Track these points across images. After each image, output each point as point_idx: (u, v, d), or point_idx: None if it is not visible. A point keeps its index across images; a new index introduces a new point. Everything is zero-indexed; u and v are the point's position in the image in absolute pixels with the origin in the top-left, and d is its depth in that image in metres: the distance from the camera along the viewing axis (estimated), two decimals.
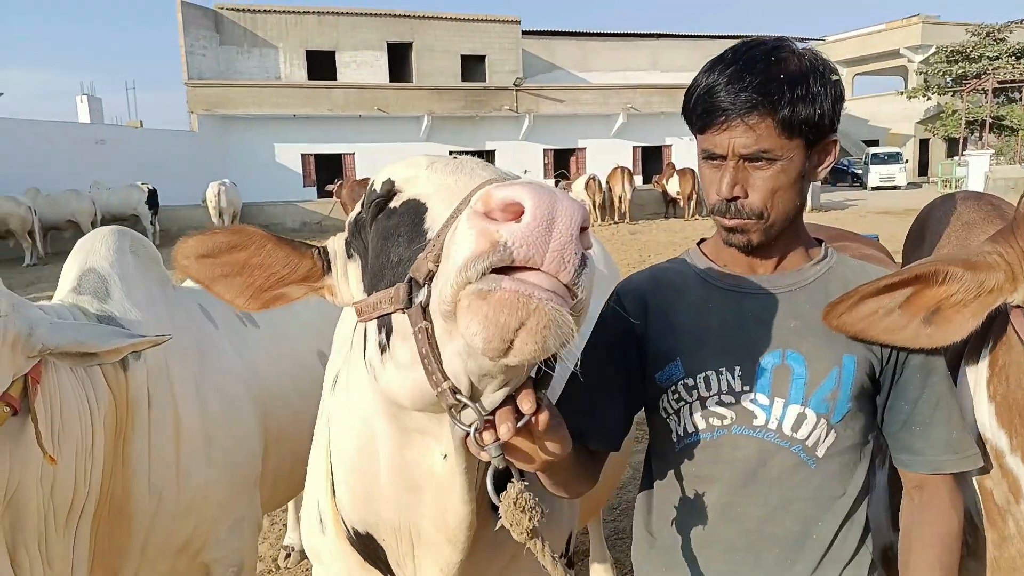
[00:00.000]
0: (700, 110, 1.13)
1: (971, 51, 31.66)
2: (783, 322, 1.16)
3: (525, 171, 22.77)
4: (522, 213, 0.76)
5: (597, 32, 30.75)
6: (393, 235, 1.03)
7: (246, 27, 24.66)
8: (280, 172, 24.20)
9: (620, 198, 21.97)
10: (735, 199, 1.13)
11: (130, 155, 21.10)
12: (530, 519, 0.93)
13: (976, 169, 23.25)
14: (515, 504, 0.94)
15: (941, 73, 32.78)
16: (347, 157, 25.21)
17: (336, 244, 1.21)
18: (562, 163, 27.77)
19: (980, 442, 1.18)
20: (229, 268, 1.18)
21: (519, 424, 0.91)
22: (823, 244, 1.25)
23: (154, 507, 1.84)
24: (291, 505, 3.49)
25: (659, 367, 1.20)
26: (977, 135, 29.81)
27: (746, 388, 1.14)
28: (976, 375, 1.21)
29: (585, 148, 27.62)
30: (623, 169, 22.42)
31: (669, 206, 22.55)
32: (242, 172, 21.41)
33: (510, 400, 0.93)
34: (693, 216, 21.53)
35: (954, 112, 31.53)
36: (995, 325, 1.15)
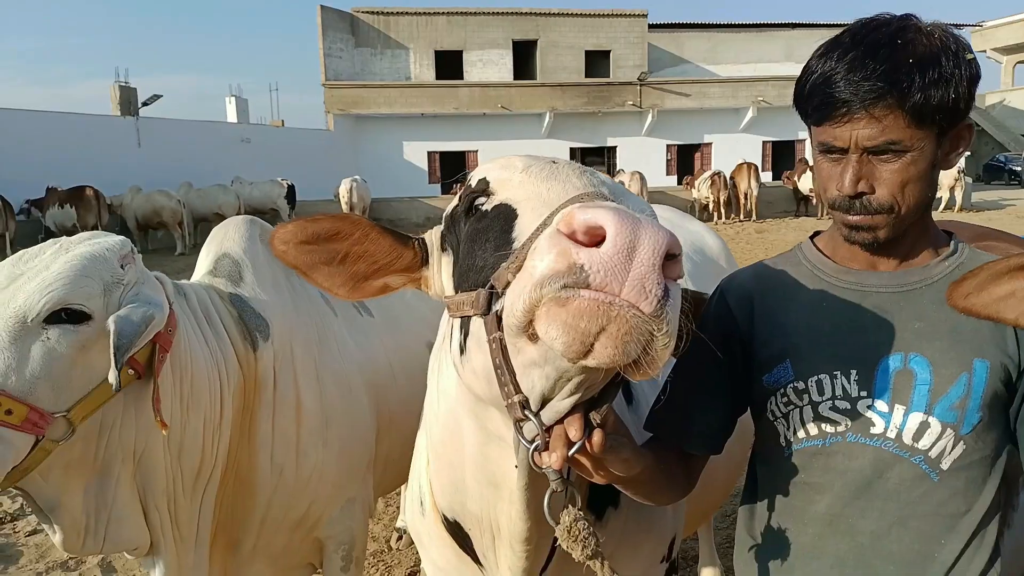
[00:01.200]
0: (817, 101, 1.06)
1: None
2: (906, 323, 1.07)
3: (620, 170, 22.29)
4: (602, 235, 0.75)
5: (728, 23, 29.72)
6: (481, 238, 1.02)
7: (380, 29, 25.71)
8: (407, 169, 25.08)
9: (746, 195, 21.15)
10: (860, 195, 1.05)
11: (271, 152, 22.56)
12: (583, 548, 0.92)
13: None
14: (569, 533, 0.94)
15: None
16: (471, 155, 25.76)
17: (433, 237, 1.21)
18: (686, 159, 27.12)
19: None
20: (330, 256, 1.17)
21: (570, 452, 0.89)
22: (952, 238, 1.15)
23: (274, 482, 1.96)
24: (404, 488, 3.63)
25: (767, 369, 1.15)
26: None
27: (863, 393, 1.07)
28: None
29: (711, 143, 26.83)
30: (749, 164, 21.57)
31: (800, 204, 21.52)
32: (372, 169, 22.36)
33: (577, 410, 0.91)
34: (827, 214, 20.38)
35: None
36: None
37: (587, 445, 0.89)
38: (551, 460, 0.89)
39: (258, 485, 1.93)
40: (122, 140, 19.91)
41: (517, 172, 1.05)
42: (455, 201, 1.15)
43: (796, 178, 21.65)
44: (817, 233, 1.24)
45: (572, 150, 26.02)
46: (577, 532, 0.92)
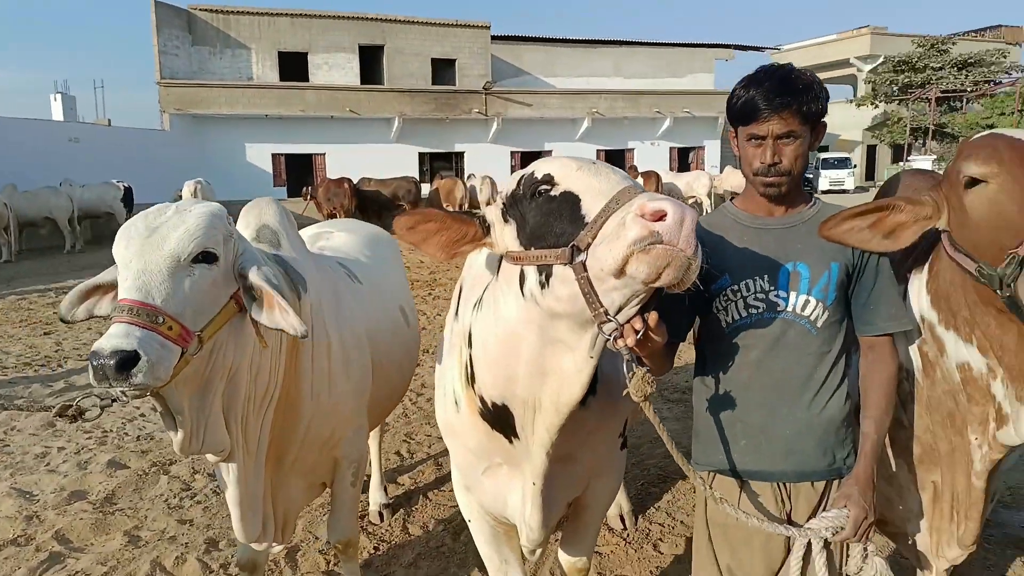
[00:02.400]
0: (747, 110, 1.76)
1: (916, 62, 33.36)
2: (792, 245, 1.81)
3: (471, 175, 23.28)
4: (664, 215, 1.35)
5: (563, 38, 31.55)
6: (555, 214, 1.52)
7: (219, 28, 24.85)
8: (251, 171, 24.42)
9: None
10: (774, 164, 1.78)
11: (103, 153, 21.18)
12: (644, 394, 1.55)
13: None
14: (642, 379, 1.55)
15: (888, 82, 34.43)
16: (318, 157, 25.55)
17: (493, 214, 1.73)
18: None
19: (922, 321, 1.86)
20: (426, 234, 1.72)
21: (638, 336, 1.49)
22: (813, 196, 1.91)
23: (312, 407, 2.43)
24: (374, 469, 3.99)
25: (713, 281, 1.83)
26: (921, 142, 31.45)
27: (771, 287, 1.79)
28: (920, 278, 1.88)
29: (552, 151, 28.35)
30: None
31: None
32: (213, 171, 21.59)
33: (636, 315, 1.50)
34: None
35: (899, 120, 33.18)
36: (934, 249, 1.82)
37: (649, 333, 1.52)
38: (628, 342, 1.49)
39: (301, 409, 2.40)
40: None
41: (573, 170, 1.57)
42: (513, 185, 1.66)
43: None
44: (735, 197, 1.97)
45: (421, 155, 26.56)
46: (647, 379, 1.55)
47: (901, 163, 28.86)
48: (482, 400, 1.91)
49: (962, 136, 29.69)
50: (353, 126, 25.19)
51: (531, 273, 1.58)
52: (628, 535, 3.51)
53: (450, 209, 21.20)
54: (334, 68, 26.28)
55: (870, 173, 37.20)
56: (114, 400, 1.79)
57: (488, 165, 25.81)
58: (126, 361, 1.57)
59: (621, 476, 2.43)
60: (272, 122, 24.34)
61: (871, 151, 38.09)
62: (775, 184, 1.79)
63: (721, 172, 25.81)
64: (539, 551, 2.24)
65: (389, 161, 24.76)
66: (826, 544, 1.76)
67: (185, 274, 1.81)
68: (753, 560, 1.86)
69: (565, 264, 1.47)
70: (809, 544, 1.77)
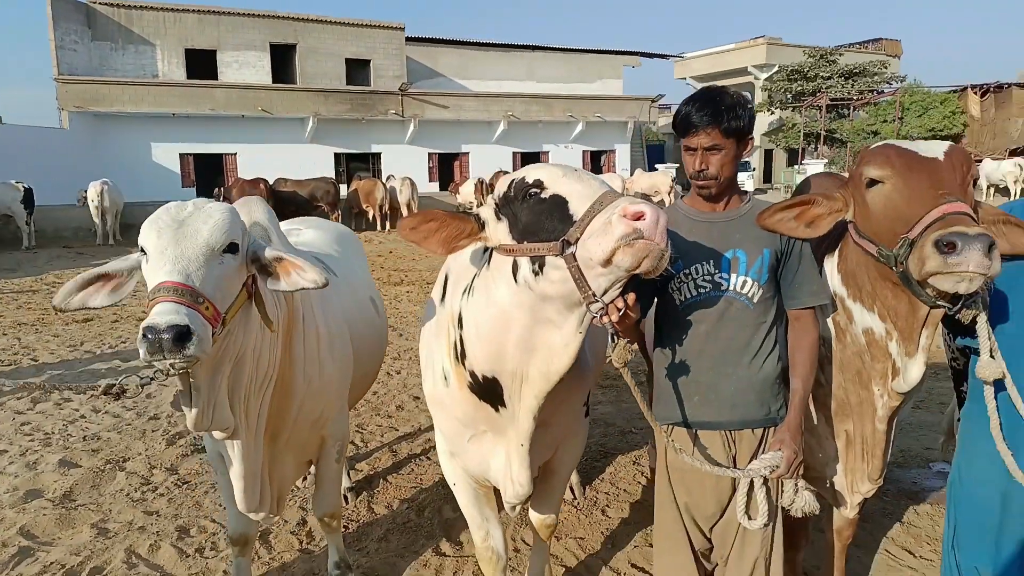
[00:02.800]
0: (683, 125, 2.12)
1: (808, 71, 35.49)
2: (732, 235, 2.18)
3: (391, 176, 23.40)
4: (643, 216, 1.66)
5: (477, 42, 31.92)
6: (546, 213, 1.82)
7: (121, 23, 23.84)
8: (158, 172, 23.57)
9: None
10: (702, 171, 2.14)
11: None
12: (627, 357, 1.88)
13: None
14: (623, 348, 1.88)
15: (783, 90, 36.45)
16: (229, 158, 24.91)
17: (487, 213, 2.01)
18: (446, 167, 28.69)
19: (835, 296, 2.27)
20: (428, 232, 2.01)
21: (621, 314, 1.82)
22: (748, 194, 2.30)
23: (304, 388, 2.65)
24: None
25: (670, 265, 2.20)
26: (813, 146, 33.52)
27: (716, 270, 2.16)
28: (832, 261, 2.30)
29: (468, 153, 28.68)
30: (506, 173, 23.67)
31: None
32: (117, 171, 20.73)
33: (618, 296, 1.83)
34: None
35: (793, 126, 35.21)
36: (842, 237, 2.24)
37: (628, 311, 1.85)
38: (612, 318, 1.80)
39: (294, 390, 2.61)
40: None
41: (559, 176, 1.86)
42: (505, 189, 1.94)
43: None
44: (684, 195, 2.33)
45: (337, 155, 26.30)
46: (627, 349, 1.88)
47: (796, 166, 30.72)
48: (472, 374, 2.20)
49: (849, 141, 31.91)
50: (265, 126, 24.70)
51: (524, 263, 1.87)
52: (578, 503, 3.87)
53: (369, 210, 21.12)
54: (245, 66, 25.69)
55: (767, 176, 39.25)
56: (152, 379, 1.97)
57: (405, 166, 25.88)
58: (181, 335, 1.77)
59: (584, 442, 2.77)
60: (180, 121, 23.57)
61: (768, 155, 40.21)
62: (705, 186, 2.17)
63: (632, 175, 26.80)
64: (519, 507, 2.55)
65: (304, 161, 24.44)
66: (765, 481, 2.15)
67: (217, 262, 2.02)
68: (706, 498, 2.23)
69: (557, 255, 1.78)
70: (751, 482, 2.15)
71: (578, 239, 1.74)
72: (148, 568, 3.31)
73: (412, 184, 21.64)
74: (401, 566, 3.30)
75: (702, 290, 2.18)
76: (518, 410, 2.16)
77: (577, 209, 1.79)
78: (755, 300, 2.17)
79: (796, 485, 2.21)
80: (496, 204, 1.99)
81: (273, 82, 25.66)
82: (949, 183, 1.86)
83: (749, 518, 2.17)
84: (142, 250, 2.04)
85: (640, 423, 5.03)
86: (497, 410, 2.23)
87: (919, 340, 2.03)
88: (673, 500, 2.28)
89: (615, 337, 1.87)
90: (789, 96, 36.22)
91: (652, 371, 2.45)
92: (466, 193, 22.59)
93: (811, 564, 2.98)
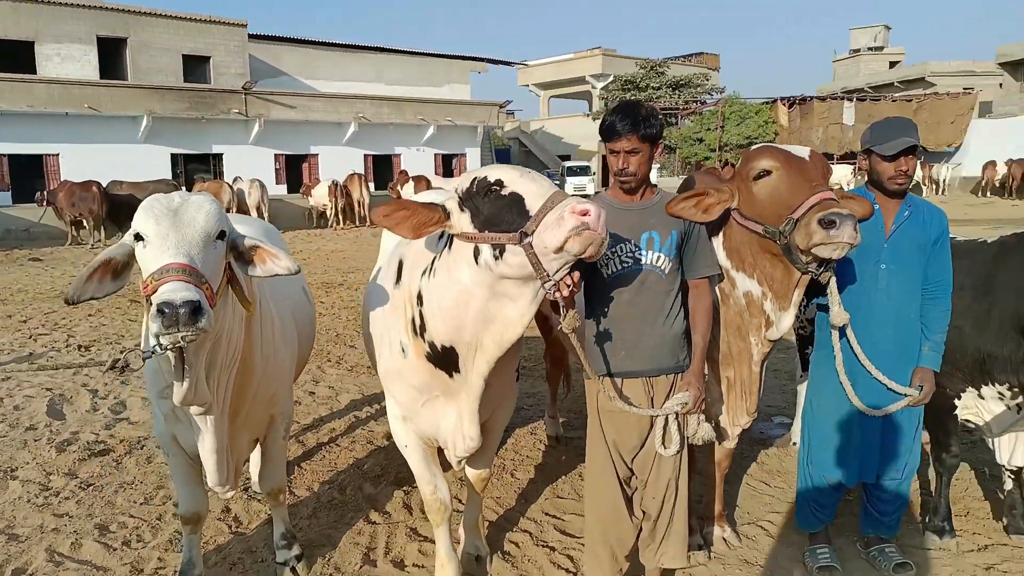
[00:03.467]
0: (608, 132, 2.59)
1: (640, 81, 38.11)
2: (647, 220, 2.67)
3: (238, 178, 22.67)
4: (588, 212, 2.06)
5: (323, 41, 31.39)
6: (506, 208, 2.19)
7: None
8: None
9: (359, 202, 23.10)
10: (623, 169, 2.62)
11: None
12: (575, 324, 2.30)
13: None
14: (572, 317, 2.30)
15: (617, 99, 38.87)
16: (50, 159, 22.81)
17: (451, 205, 2.36)
18: (294, 169, 27.97)
19: (722, 268, 2.82)
20: (400, 219, 2.35)
21: (570, 289, 2.25)
22: (657, 187, 2.81)
23: (262, 369, 2.84)
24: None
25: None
26: None
27: (636, 249, 2.63)
28: (719, 241, 2.86)
29: (318, 155, 28.12)
30: (360, 175, 23.63)
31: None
32: None
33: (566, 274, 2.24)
34: None
35: None
36: (725, 222, 2.79)
37: (573, 286, 2.26)
38: (564, 293, 2.21)
39: (254, 371, 2.79)
40: None
41: (517, 177, 2.24)
42: (467, 185, 2.30)
43: (399, 188, 24.29)
44: (607, 188, 2.79)
45: (174, 156, 24.84)
46: (572, 319, 2.29)
47: None
48: (431, 345, 2.55)
49: (678, 147, 34.58)
50: (93, 124, 22.86)
51: (486, 249, 2.25)
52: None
53: None
54: (68, 60, 23.69)
55: (605, 180, 41.62)
56: (153, 353, 2.14)
57: (250, 168, 24.94)
58: (195, 310, 1.98)
59: (514, 404, 3.17)
60: None
61: (605, 160, 42.64)
62: (626, 182, 2.66)
63: None
64: (463, 463, 2.91)
65: (137, 163, 22.85)
66: (676, 417, 2.66)
67: (212, 247, 2.23)
68: (630, 433, 2.71)
69: (516, 244, 2.17)
70: (666, 418, 2.65)
71: (534, 231, 2.14)
72: (77, 563, 3.32)
73: (261, 186, 21.05)
74: (337, 537, 3.53)
75: (625, 265, 2.65)
76: (471, 375, 2.53)
77: (533, 205, 2.18)
78: (667, 272, 2.67)
79: (699, 419, 2.75)
80: (460, 197, 2.35)
81: (100, 77, 23.86)
82: (817, 176, 2.46)
83: (664, 447, 2.67)
84: (137, 236, 2.20)
85: (529, 401, 5.52)
86: (452, 376, 2.60)
87: (792, 297, 2.63)
88: (603, 438, 2.74)
89: (564, 309, 2.29)
90: None
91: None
92: (319, 195, 22.29)
93: (696, 494, 3.56)
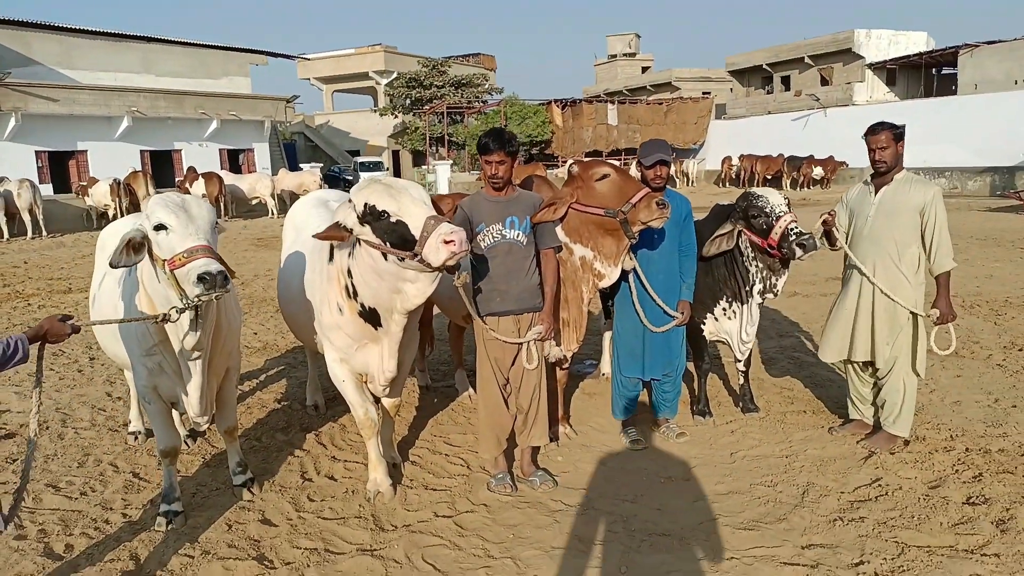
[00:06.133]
0: (482, 148, 3.79)
1: (423, 79, 39.39)
2: (509, 208, 3.89)
3: (5, 178, 20.73)
4: (454, 240, 3.11)
5: (82, 29, 28.88)
6: (396, 230, 3.17)
7: None
8: None
9: (145, 199, 21.98)
10: (495, 176, 3.85)
11: None
12: (465, 281, 3.46)
13: (442, 175, 29.98)
14: (464, 280, 3.46)
15: (403, 96, 39.86)
16: None
17: (351, 221, 3.33)
18: (60, 166, 25.74)
19: (562, 242, 4.14)
20: (329, 234, 3.39)
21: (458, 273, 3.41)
22: (516, 187, 4.05)
23: (226, 327, 3.66)
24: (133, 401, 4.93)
25: (476, 226, 3.85)
26: (435, 148, 37.51)
27: (502, 227, 3.86)
28: (558, 225, 4.18)
29: (87, 151, 26.10)
30: (143, 172, 22.56)
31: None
32: None
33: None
34: (224, 217, 22.86)
35: (416, 129, 38.87)
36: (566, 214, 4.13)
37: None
38: (457, 281, 3.40)
39: (222, 327, 3.60)
40: None
41: (397, 207, 3.20)
42: (362, 209, 3.28)
43: (188, 185, 23.48)
44: (484, 187, 3.99)
45: None
46: (462, 278, 3.44)
47: (424, 167, 34.19)
48: (362, 305, 3.61)
49: (466, 144, 36.45)
50: None
51: (390, 256, 3.31)
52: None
53: None
54: None
55: (397, 175, 42.56)
56: (186, 308, 2.99)
57: (7, 167, 22.65)
58: (225, 277, 2.90)
59: (417, 346, 4.28)
60: None
61: (396, 155, 43.58)
62: (496, 183, 3.89)
63: (276, 174, 27.31)
64: (386, 389, 3.97)
65: None
66: (535, 343, 3.94)
67: (215, 232, 3.12)
68: (506, 354, 3.95)
69: (412, 259, 3.24)
70: (529, 344, 3.93)
71: (421, 251, 3.16)
72: (49, 510, 3.88)
73: (32, 186, 19.36)
74: (272, 468, 4.41)
75: (495, 239, 3.88)
76: (391, 326, 3.63)
77: (416, 228, 3.17)
78: (524, 244, 3.93)
79: (550, 344, 4.06)
80: (358, 216, 3.34)
81: None
82: (635, 180, 3.88)
83: (528, 363, 3.94)
84: (160, 226, 3.02)
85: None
86: (376, 328, 3.67)
87: (621, 258, 4.04)
88: (487, 358, 3.96)
89: (459, 274, 3.45)
90: (409, 102, 39.74)
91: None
92: (100, 195, 20.98)
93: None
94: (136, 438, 4.88)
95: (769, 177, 31.78)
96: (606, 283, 4.16)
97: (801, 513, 3.66)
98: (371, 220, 3.27)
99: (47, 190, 24.33)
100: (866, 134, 4.20)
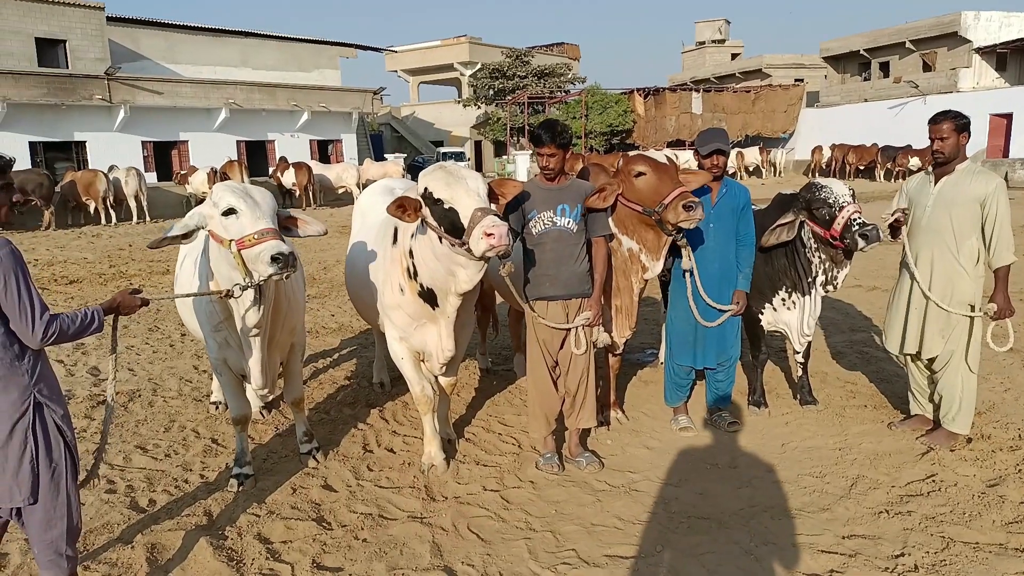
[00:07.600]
0: (536, 140, 3.91)
1: (507, 70, 39.66)
2: (562, 196, 3.99)
3: (114, 166, 22.21)
4: (494, 233, 3.24)
5: (186, 25, 30.55)
6: (448, 216, 3.33)
7: None
8: None
9: None
10: (546, 167, 3.96)
11: None
12: (511, 270, 3.61)
13: (521, 165, 30.17)
14: (509, 269, 3.60)
15: (486, 87, 40.26)
16: None
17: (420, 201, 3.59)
18: (163, 156, 27.36)
19: (613, 232, 4.22)
20: (404, 210, 3.50)
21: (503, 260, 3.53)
22: (568, 175, 4.15)
23: (287, 305, 3.89)
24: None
25: (528, 214, 3.98)
26: (516, 139, 37.73)
27: (553, 215, 3.97)
28: (610, 215, 4.25)
29: (188, 141, 27.64)
30: (238, 161, 23.71)
31: (286, 197, 24.45)
32: None
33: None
34: (312, 205, 23.83)
35: (498, 120, 39.19)
36: (616, 203, 4.20)
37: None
38: (504, 271, 3.56)
39: (282, 306, 3.83)
40: None
41: (451, 195, 3.35)
42: (423, 192, 3.49)
43: (280, 175, 24.55)
44: (539, 175, 4.11)
45: (32, 144, 23.73)
46: (507, 268, 3.59)
47: (504, 157, 34.46)
48: (421, 286, 3.80)
49: None
50: None
51: (444, 237, 3.47)
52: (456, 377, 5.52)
53: (91, 203, 19.74)
54: None
55: (479, 165, 43.07)
56: (249, 286, 3.25)
57: (115, 155, 24.27)
58: (295, 256, 3.13)
59: (473, 330, 4.46)
60: None
61: (478, 146, 44.07)
62: (547, 174, 4.00)
63: (362, 164, 28.16)
64: (445, 368, 4.16)
65: None
66: (584, 328, 4.04)
67: (276, 217, 3.36)
68: (555, 338, 4.07)
69: (460, 247, 3.39)
70: (578, 329, 4.03)
71: (468, 240, 3.29)
72: (136, 469, 4.28)
73: (139, 174, 20.73)
74: (337, 439, 4.70)
75: (547, 226, 3.99)
76: (447, 307, 3.80)
77: (465, 217, 3.30)
78: (574, 231, 4.03)
79: (598, 330, 4.16)
80: (423, 200, 3.53)
81: None
82: (675, 176, 3.91)
83: (576, 348, 4.05)
84: (230, 211, 3.28)
85: None
86: (434, 308, 3.85)
87: (662, 252, 4.10)
88: (537, 341, 4.09)
89: (501, 262, 3.56)
90: (492, 92, 40.09)
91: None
92: (198, 183, 22.20)
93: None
94: (217, 407, 5.27)
95: (862, 168, 30.50)
96: (650, 275, 4.23)
97: (846, 504, 3.63)
98: (430, 204, 3.47)
99: (151, 178, 25.96)
100: (930, 122, 4.09)
